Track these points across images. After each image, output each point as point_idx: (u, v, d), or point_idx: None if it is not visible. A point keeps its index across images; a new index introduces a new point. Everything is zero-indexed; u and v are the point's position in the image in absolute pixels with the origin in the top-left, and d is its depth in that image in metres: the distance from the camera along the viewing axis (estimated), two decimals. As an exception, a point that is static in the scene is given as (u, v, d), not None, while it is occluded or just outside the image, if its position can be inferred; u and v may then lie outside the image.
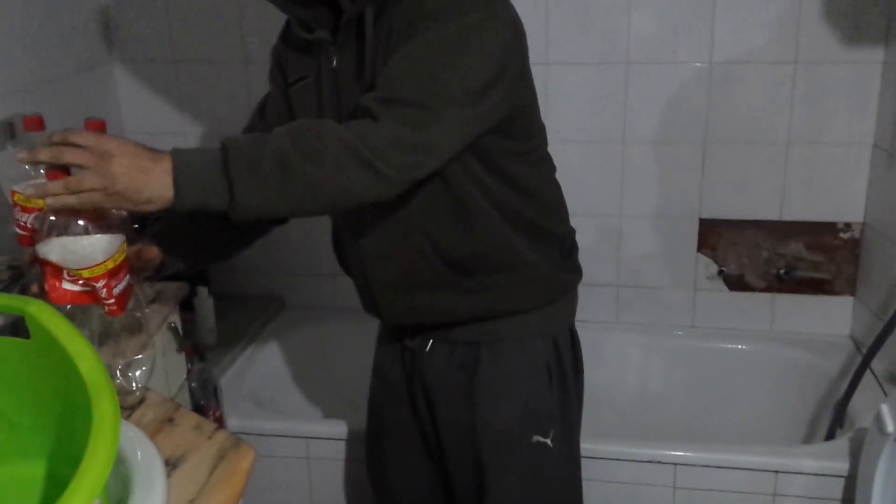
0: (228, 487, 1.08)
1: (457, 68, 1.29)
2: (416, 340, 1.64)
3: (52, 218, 1.18)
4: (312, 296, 2.79)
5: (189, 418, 1.24)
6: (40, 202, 1.23)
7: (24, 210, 1.35)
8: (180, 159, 1.17)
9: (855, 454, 1.90)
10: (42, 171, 1.17)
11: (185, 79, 2.61)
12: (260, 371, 2.47)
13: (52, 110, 2.10)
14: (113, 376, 1.30)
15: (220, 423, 2.02)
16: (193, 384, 1.94)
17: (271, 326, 2.68)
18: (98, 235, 1.20)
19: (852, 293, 2.48)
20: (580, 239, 1.67)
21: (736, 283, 2.54)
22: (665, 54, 2.36)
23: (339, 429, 2.16)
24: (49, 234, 1.19)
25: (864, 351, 2.09)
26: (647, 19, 2.35)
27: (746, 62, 2.33)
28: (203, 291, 2.37)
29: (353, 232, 1.55)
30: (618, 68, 2.40)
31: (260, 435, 2.14)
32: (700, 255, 2.53)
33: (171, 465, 1.10)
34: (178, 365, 1.72)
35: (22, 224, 1.36)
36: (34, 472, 1.04)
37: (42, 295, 1.23)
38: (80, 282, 1.21)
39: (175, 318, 1.68)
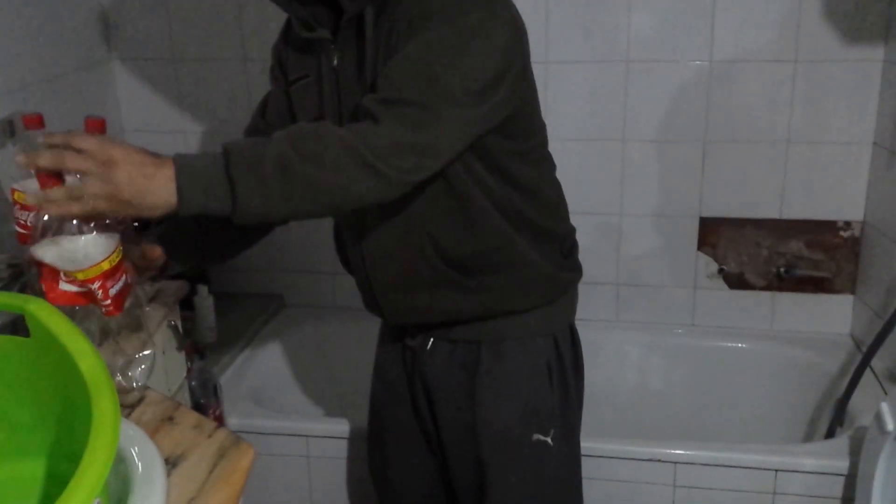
0: (228, 486, 1.08)
1: (457, 69, 1.29)
2: (417, 339, 1.64)
3: (46, 218, 1.18)
4: (312, 294, 2.79)
5: (189, 417, 1.24)
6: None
7: (25, 208, 1.35)
8: (183, 165, 1.17)
9: (855, 453, 1.90)
10: (33, 171, 1.17)
11: (185, 77, 2.60)
12: (260, 370, 2.47)
13: (52, 109, 2.10)
14: (113, 375, 1.30)
15: (220, 421, 2.02)
16: (193, 383, 1.94)
17: (271, 325, 2.68)
18: (93, 236, 1.19)
19: (852, 291, 2.48)
20: (580, 237, 1.67)
21: (736, 282, 2.54)
22: (665, 53, 2.36)
23: (339, 427, 2.16)
24: (43, 235, 1.18)
25: (864, 349, 2.09)
26: (648, 18, 2.35)
27: (746, 61, 2.33)
28: (203, 290, 2.37)
29: (355, 231, 1.55)
30: (618, 67, 2.40)
31: (260, 433, 2.14)
32: (700, 253, 2.53)
33: (170, 463, 1.10)
34: (178, 363, 1.72)
35: (22, 222, 1.36)
36: (34, 470, 1.04)
37: (40, 296, 1.23)
38: (77, 283, 1.20)
39: (175, 317, 1.68)
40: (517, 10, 1.39)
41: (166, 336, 1.64)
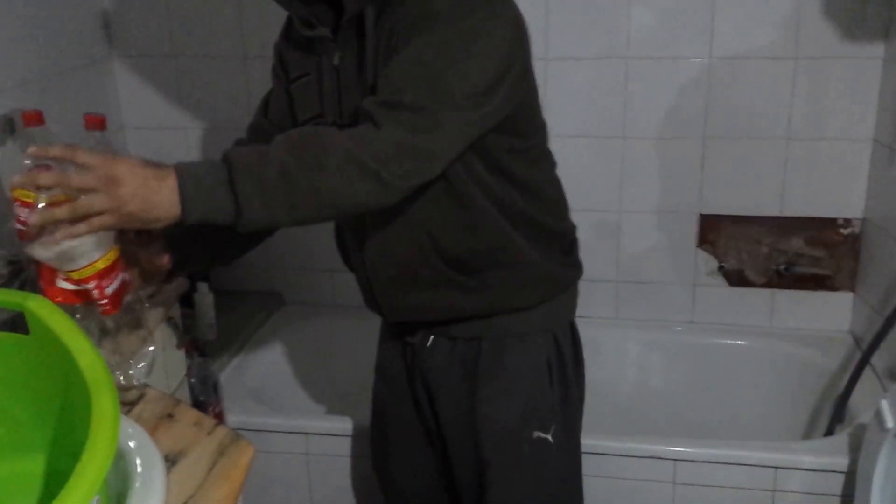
0: (228, 483, 1.08)
1: (458, 71, 1.29)
2: (417, 336, 1.64)
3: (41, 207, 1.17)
4: (311, 292, 2.79)
5: (189, 414, 1.24)
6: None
7: (25, 205, 1.35)
8: (185, 175, 1.17)
9: (854, 450, 1.90)
10: (28, 162, 1.16)
11: (185, 75, 2.60)
12: (259, 367, 2.47)
13: (52, 106, 2.10)
14: (113, 372, 1.30)
15: (219, 418, 2.02)
16: (193, 380, 1.94)
17: (271, 323, 2.68)
18: (87, 231, 1.19)
19: (852, 289, 2.48)
20: (580, 235, 1.67)
21: (736, 279, 2.54)
22: (665, 49, 2.36)
23: (339, 424, 2.16)
24: (39, 235, 1.18)
25: (864, 347, 2.10)
26: (648, 14, 2.34)
27: (747, 58, 2.33)
28: (203, 287, 2.36)
29: (355, 231, 1.55)
30: (618, 63, 2.39)
31: (259, 431, 2.13)
32: (700, 250, 2.53)
33: (170, 460, 1.10)
34: (177, 361, 1.72)
35: (22, 219, 1.36)
36: (34, 467, 1.04)
37: (40, 293, 1.23)
38: (73, 281, 1.20)
39: (175, 314, 1.68)
40: (518, 9, 1.38)
41: (166, 333, 1.64)
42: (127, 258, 1.29)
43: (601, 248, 2.56)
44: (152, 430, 1.17)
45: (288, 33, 1.58)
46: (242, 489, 1.10)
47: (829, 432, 2.11)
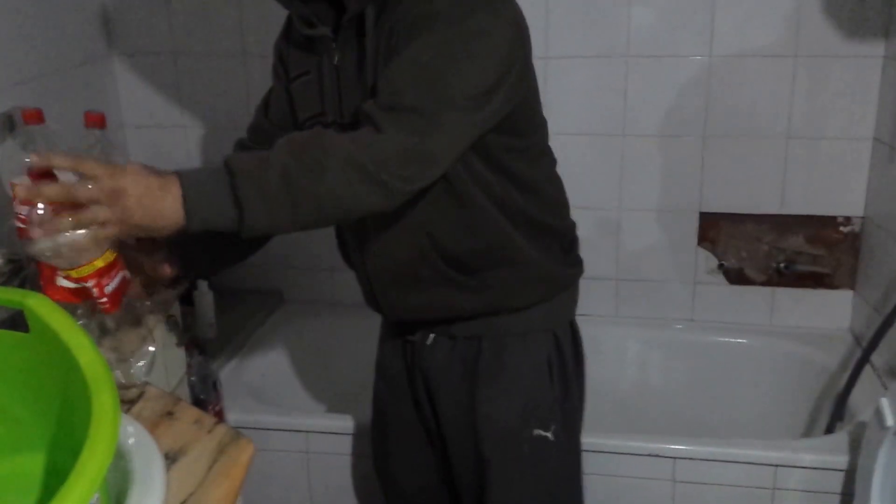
0: (228, 481, 1.08)
1: (459, 73, 1.29)
2: (417, 335, 1.64)
3: (41, 212, 1.17)
4: (311, 290, 2.79)
5: (189, 412, 1.24)
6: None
7: (24, 203, 1.35)
8: (188, 183, 1.17)
9: (854, 448, 1.90)
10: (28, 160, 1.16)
11: (185, 72, 2.60)
12: (259, 365, 2.47)
13: (52, 104, 2.10)
14: (113, 370, 1.30)
15: (219, 417, 2.02)
16: (193, 378, 1.94)
17: (270, 321, 2.68)
18: (89, 232, 1.19)
19: (852, 287, 2.48)
20: (580, 233, 1.67)
21: (736, 277, 2.54)
22: (665, 48, 2.36)
23: (339, 423, 2.16)
24: (39, 233, 1.18)
25: (864, 345, 2.10)
26: (648, 13, 2.34)
27: (747, 56, 2.33)
28: (203, 286, 2.36)
29: (355, 231, 1.55)
30: (618, 62, 2.39)
31: (259, 429, 2.14)
32: (700, 248, 2.53)
33: (170, 458, 1.10)
34: (177, 359, 1.72)
35: (22, 217, 1.36)
36: (33, 465, 1.04)
37: (40, 291, 1.23)
38: (72, 280, 1.20)
39: (175, 313, 1.68)
40: (519, 9, 1.38)
41: (166, 332, 1.64)
42: (130, 266, 1.29)
43: (601, 246, 2.56)
44: (152, 428, 1.17)
45: (288, 32, 1.58)
46: (242, 487, 1.10)
47: (829, 430, 2.12)
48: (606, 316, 2.63)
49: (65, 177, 1.16)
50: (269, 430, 2.16)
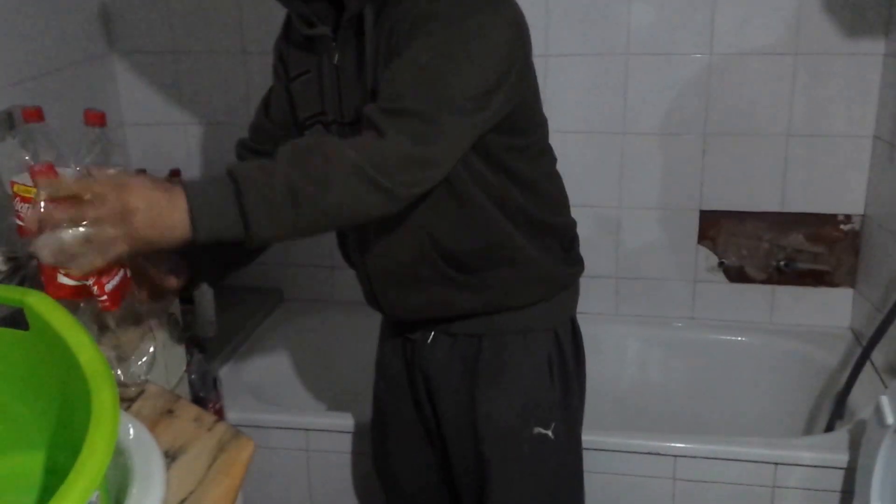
0: (228, 479, 1.08)
1: (460, 74, 1.29)
2: (417, 333, 1.64)
3: (42, 209, 1.17)
4: (311, 288, 2.79)
5: (189, 410, 1.24)
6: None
7: (24, 200, 1.35)
8: (194, 197, 1.17)
9: (854, 446, 1.90)
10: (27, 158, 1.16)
11: (185, 70, 2.60)
12: (259, 363, 2.47)
13: (52, 102, 2.09)
14: (113, 368, 1.30)
15: (219, 415, 2.02)
16: (193, 376, 1.94)
17: (270, 319, 2.68)
18: (90, 231, 1.19)
19: (852, 285, 2.48)
20: (580, 231, 1.67)
21: (736, 275, 2.54)
22: (665, 45, 2.36)
23: (339, 421, 2.16)
24: (40, 231, 1.18)
25: (864, 343, 2.09)
26: (648, 10, 2.34)
27: (747, 54, 2.33)
28: (203, 283, 2.36)
29: (356, 230, 1.55)
30: (618, 59, 2.39)
31: (259, 427, 2.14)
32: (700, 246, 2.53)
33: (170, 456, 1.10)
34: (177, 357, 1.72)
35: (22, 215, 1.36)
36: (33, 463, 1.04)
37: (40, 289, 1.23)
38: (73, 277, 1.20)
39: (175, 311, 1.68)
40: (519, 7, 1.38)
41: (166, 329, 1.63)
42: (137, 277, 1.29)
43: (601, 245, 2.56)
44: (152, 425, 1.17)
45: (288, 32, 1.58)
46: (242, 485, 1.10)
47: (829, 428, 2.11)
48: (607, 314, 2.63)
49: (66, 172, 1.16)
50: (269, 428, 2.16)
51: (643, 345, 2.61)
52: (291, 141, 1.28)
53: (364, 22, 1.37)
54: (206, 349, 2.19)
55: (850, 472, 1.89)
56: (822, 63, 2.30)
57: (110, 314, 1.32)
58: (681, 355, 2.58)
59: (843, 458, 1.91)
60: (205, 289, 2.35)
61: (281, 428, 2.17)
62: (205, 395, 1.99)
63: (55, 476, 1.02)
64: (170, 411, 1.24)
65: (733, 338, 2.54)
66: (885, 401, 1.71)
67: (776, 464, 1.95)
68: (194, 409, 1.25)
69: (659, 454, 2.00)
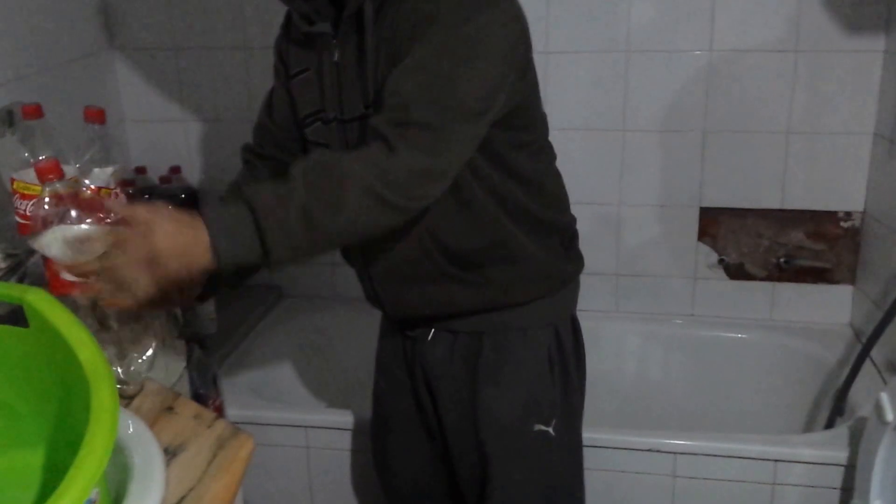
0: (228, 476, 1.08)
1: (467, 79, 1.29)
2: (417, 330, 1.64)
3: (46, 207, 1.18)
4: (310, 285, 2.79)
5: (188, 407, 1.25)
6: (39, 189, 1.23)
7: (24, 198, 1.35)
8: (216, 231, 1.19)
9: (854, 443, 1.90)
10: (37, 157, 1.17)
11: (185, 66, 2.60)
12: (259, 360, 2.47)
13: (52, 99, 2.09)
14: (112, 365, 1.30)
15: (219, 412, 2.02)
16: (193, 373, 1.94)
17: (270, 316, 2.68)
18: (92, 229, 1.20)
19: (852, 282, 2.48)
20: (580, 227, 1.67)
21: (736, 272, 2.54)
22: (666, 42, 2.36)
23: (339, 418, 2.16)
24: (44, 227, 1.18)
25: (864, 340, 2.10)
26: (648, 7, 2.34)
27: (747, 50, 2.33)
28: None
29: None
30: (618, 56, 2.39)
31: (259, 424, 2.14)
32: (700, 243, 2.53)
33: (170, 453, 1.10)
34: (177, 354, 1.72)
35: (21, 212, 1.36)
36: (33, 460, 1.04)
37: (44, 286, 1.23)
38: (77, 274, 1.21)
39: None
40: (519, 4, 1.38)
41: (166, 326, 1.63)
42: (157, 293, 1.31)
43: (601, 241, 2.56)
44: (152, 422, 1.17)
45: (287, 30, 1.58)
46: (242, 482, 1.10)
47: (829, 425, 2.11)
48: (607, 311, 2.63)
49: (70, 171, 1.16)
50: (268, 425, 2.16)
51: (643, 342, 2.61)
52: (303, 160, 1.30)
53: (364, 18, 1.37)
54: (207, 346, 2.18)
55: (850, 469, 1.89)
56: (823, 60, 2.30)
57: (111, 311, 1.32)
58: (681, 352, 2.58)
59: (842, 455, 1.91)
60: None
61: (281, 425, 2.17)
62: (205, 391, 1.98)
63: (55, 473, 1.02)
64: (169, 408, 1.24)
65: (733, 335, 2.54)
66: (884, 398, 1.71)
67: (776, 461, 1.96)
68: (194, 406, 1.25)
69: (659, 451, 2.00)
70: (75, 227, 1.19)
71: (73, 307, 1.27)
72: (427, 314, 1.61)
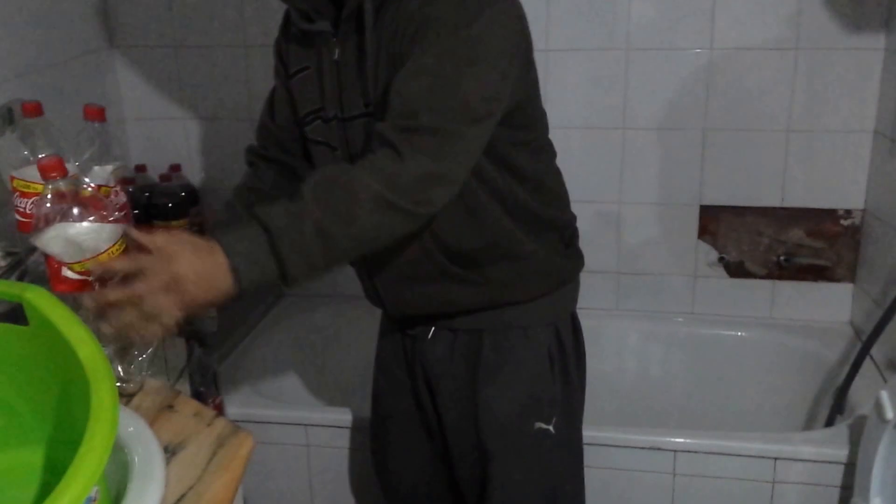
0: (228, 474, 1.08)
1: (471, 81, 1.29)
2: (417, 328, 1.64)
3: (48, 205, 1.18)
4: (310, 284, 2.78)
5: (188, 405, 1.25)
6: (39, 187, 1.23)
7: (24, 195, 1.35)
8: (235, 255, 1.20)
9: (854, 441, 1.90)
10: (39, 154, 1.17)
11: (185, 64, 2.60)
12: (259, 358, 2.47)
13: (52, 97, 2.09)
14: (112, 363, 1.30)
15: (219, 410, 2.02)
16: (193, 371, 1.94)
17: (271, 314, 2.68)
18: (94, 226, 1.19)
19: (852, 280, 2.48)
20: (580, 226, 1.67)
21: (736, 270, 2.54)
22: (666, 40, 2.36)
23: (339, 416, 2.16)
24: (46, 225, 1.18)
25: (864, 338, 2.09)
26: (648, 5, 2.34)
27: (748, 49, 2.33)
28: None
29: None
30: (618, 54, 2.39)
31: (259, 422, 2.14)
32: (700, 241, 2.53)
33: (170, 451, 1.10)
34: (177, 352, 1.72)
35: (21, 210, 1.36)
36: (33, 458, 1.05)
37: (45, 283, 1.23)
38: (77, 272, 1.21)
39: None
40: (519, 2, 1.38)
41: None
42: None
43: (601, 240, 2.56)
44: (152, 421, 1.17)
45: (286, 29, 1.58)
46: (242, 480, 1.10)
47: (829, 423, 2.11)
48: (607, 309, 2.63)
49: (70, 169, 1.16)
50: (268, 423, 2.16)
51: (643, 339, 2.61)
52: (311, 175, 1.30)
53: (364, 17, 1.36)
54: (207, 344, 2.19)
55: (850, 467, 1.89)
56: (823, 58, 2.30)
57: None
58: (681, 350, 2.58)
59: (842, 453, 1.91)
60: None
61: (280, 423, 2.17)
62: (205, 389, 1.98)
63: (55, 471, 1.02)
64: (169, 406, 1.24)
65: (733, 333, 2.54)
66: (884, 396, 1.71)
67: (776, 459, 1.96)
68: (194, 404, 1.25)
69: (659, 449, 2.00)
70: (77, 224, 1.18)
71: (74, 305, 1.27)
72: (427, 312, 1.61)
